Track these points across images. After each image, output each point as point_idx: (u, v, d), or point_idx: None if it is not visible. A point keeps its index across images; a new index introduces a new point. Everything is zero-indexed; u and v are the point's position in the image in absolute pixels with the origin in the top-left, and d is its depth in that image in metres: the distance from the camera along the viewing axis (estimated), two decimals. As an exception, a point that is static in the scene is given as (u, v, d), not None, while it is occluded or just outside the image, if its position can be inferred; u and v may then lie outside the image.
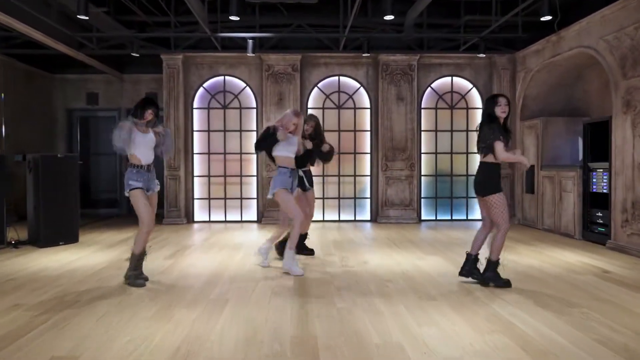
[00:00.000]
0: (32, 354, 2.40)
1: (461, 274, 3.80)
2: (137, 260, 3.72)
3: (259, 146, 4.28)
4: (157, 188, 3.86)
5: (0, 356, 2.38)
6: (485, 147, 3.54)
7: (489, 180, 3.57)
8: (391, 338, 2.61)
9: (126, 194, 3.71)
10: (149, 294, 3.50)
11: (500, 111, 3.53)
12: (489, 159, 3.57)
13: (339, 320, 2.90)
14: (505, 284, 3.58)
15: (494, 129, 3.50)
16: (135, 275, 3.70)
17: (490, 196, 3.54)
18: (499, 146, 3.46)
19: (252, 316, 2.99)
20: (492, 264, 3.60)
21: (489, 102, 3.62)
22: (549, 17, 5.26)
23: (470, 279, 3.76)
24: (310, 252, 4.95)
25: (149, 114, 3.72)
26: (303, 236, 4.84)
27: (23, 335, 2.65)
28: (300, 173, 4.57)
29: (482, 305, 3.19)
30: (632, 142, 4.84)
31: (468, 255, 3.79)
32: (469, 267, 3.76)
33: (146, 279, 3.93)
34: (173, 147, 4.27)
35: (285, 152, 4.17)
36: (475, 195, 3.80)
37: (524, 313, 3.00)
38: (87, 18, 5.11)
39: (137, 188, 3.65)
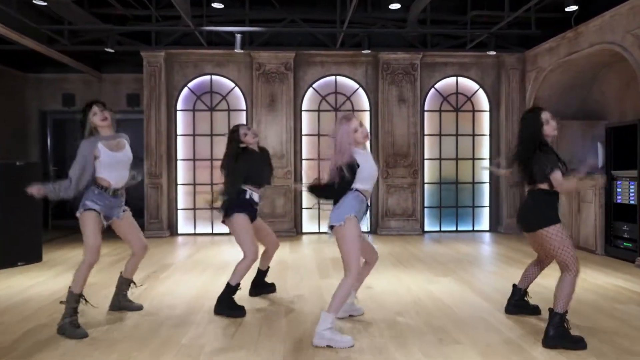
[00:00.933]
0: None
1: (508, 311, 3.19)
2: (75, 302, 2.90)
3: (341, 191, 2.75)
4: (122, 215, 3.10)
5: None
6: (539, 177, 2.76)
7: (542, 210, 2.76)
8: (413, 407, 2.00)
9: (77, 214, 2.93)
10: (106, 337, 2.85)
11: (552, 130, 2.79)
12: (543, 185, 2.78)
13: (343, 377, 2.28)
14: (578, 343, 2.60)
15: (548, 157, 2.72)
16: (72, 323, 2.84)
17: (543, 230, 2.70)
18: (557, 175, 2.69)
19: (234, 371, 2.36)
20: (557, 317, 2.63)
21: (532, 120, 2.79)
22: (574, 7, 4.72)
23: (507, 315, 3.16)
24: (271, 287, 3.83)
25: (97, 118, 2.94)
26: (263, 272, 3.79)
27: None
28: (254, 195, 3.43)
29: (520, 352, 2.59)
30: (669, 148, 4.30)
31: (515, 288, 3.22)
32: (515, 302, 3.18)
33: (139, 307, 3.35)
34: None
35: (370, 183, 2.84)
36: (521, 231, 3.01)
37: (574, 364, 2.41)
38: (44, 4, 4.44)
39: (91, 209, 2.91)
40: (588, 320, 3.10)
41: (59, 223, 8.07)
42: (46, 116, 8.66)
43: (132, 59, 7.54)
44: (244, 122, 7.27)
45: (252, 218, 3.45)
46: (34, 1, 4.37)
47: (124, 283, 3.37)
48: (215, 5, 4.82)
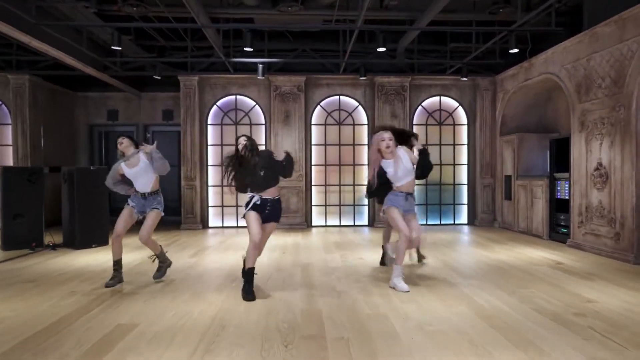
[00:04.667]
0: (101, 322, 3.15)
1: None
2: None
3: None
4: (149, 210, 4.17)
5: (76, 325, 3.12)
6: None
7: None
8: (378, 310, 3.40)
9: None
10: (183, 283, 4.29)
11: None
12: None
13: (338, 298, 3.69)
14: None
15: None
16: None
17: None
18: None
19: (270, 296, 3.78)
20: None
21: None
22: (516, 50, 6.12)
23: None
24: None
25: (120, 146, 4.23)
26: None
27: (88, 312, 3.38)
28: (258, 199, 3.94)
29: (454, 287, 4.00)
30: (586, 156, 5.68)
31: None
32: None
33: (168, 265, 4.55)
34: (165, 166, 4.21)
35: (402, 181, 3.95)
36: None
37: (485, 293, 3.80)
38: (120, 49, 5.95)
39: (129, 205, 4.20)
40: (506, 273, 4.50)
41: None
42: (93, 129, 10.17)
43: (167, 80, 9.04)
44: (264, 135, 8.75)
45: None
46: (113, 47, 5.87)
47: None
48: (247, 49, 6.23)
